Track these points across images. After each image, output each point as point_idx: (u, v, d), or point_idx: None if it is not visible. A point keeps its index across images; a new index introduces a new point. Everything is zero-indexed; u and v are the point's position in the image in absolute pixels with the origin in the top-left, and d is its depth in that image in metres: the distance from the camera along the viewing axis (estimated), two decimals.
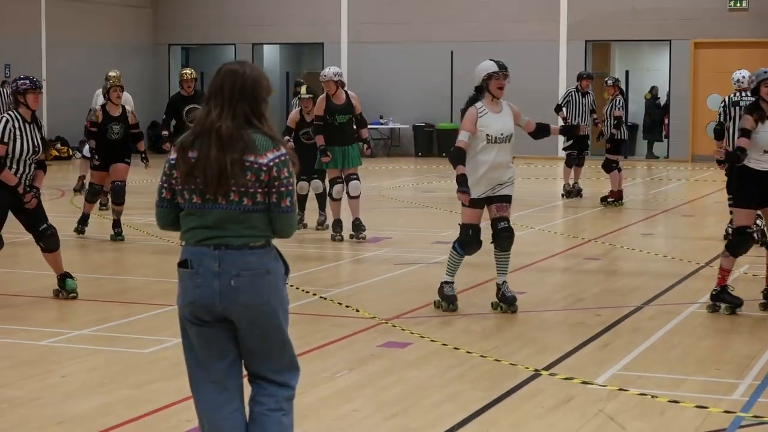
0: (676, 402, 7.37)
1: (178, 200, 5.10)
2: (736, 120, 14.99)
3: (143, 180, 22.80)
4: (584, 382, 7.86)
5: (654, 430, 6.92)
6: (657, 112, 32.91)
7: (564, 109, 20.50)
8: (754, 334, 9.50)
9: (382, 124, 33.29)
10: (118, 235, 14.94)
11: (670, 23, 31.23)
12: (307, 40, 35.04)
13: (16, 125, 10.45)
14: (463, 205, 10.22)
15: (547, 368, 8.28)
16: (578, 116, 20.10)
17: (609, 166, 19.68)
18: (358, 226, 14.80)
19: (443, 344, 9.01)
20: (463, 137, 10.17)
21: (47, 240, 10.79)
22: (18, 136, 10.43)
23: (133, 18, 35.27)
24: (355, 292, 11.54)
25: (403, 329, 9.55)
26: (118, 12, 34.58)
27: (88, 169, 18.01)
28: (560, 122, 19.89)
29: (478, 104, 10.36)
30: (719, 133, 15.14)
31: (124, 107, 14.98)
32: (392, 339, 9.24)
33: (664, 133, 32.73)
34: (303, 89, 15.63)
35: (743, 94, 15.09)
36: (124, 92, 18.64)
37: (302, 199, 15.63)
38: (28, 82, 10.59)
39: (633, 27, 31.66)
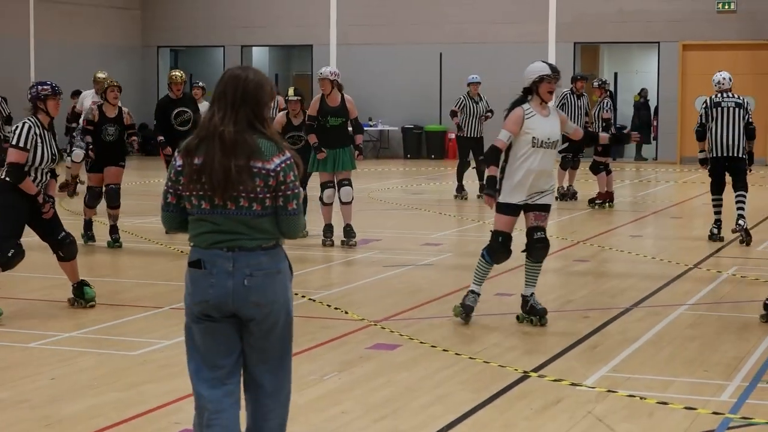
0: (665, 403, 7.37)
1: (183, 205, 5.14)
2: (718, 121, 15.06)
3: (132, 182, 22.76)
4: (573, 384, 7.86)
5: None
6: (646, 114, 32.97)
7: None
8: (742, 336, 9.51)
9: (370, 126, 33.29)
10: (115, 242, 14.57)
11: (659, 25, 31.29)
12: (295, 42, 35.06)
13: (37, 132, 10.08)
14: (497, 211, 9.81)
15: (536, 370, 8.29)
16: (573, 119, 20.03)
17: (596, 168, 19.71)
18: (349, 232, 14.59)
19: (432, 346, 9.01)
20: (502, 137, 9.66)
21: (67, 248, 10.45)
22: (38, 144, 10.06)
23: (122, 20, 35.23)
24: (344, 294, 11.53)
25: (392, 331, 9.55)
26: (107, 14, 34.55)
27: (78, 170, 17.85)
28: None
29: (526, 105, 9.72)
30: (701, 134, 15.22)
31: (121, 108, 14.57)
32: (381, 341, 9.24)
33: (652, 135, 32.79)
34: (291, 91, 15.32)
35: (724, 95, 15.15)
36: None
37: None
38: (49, 87, 10.21)
39: (621, 29, 31.72)
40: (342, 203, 14.56)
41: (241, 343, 5.20)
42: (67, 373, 8.26)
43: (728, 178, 15.19)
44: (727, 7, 30.72)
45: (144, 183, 24.17)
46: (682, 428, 6.92)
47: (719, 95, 15.12)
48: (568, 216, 18.74)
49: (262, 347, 5.17)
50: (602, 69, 34.18)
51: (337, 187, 14.64)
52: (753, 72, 30.27)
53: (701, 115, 15.21)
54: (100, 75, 18.23)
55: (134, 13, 35.75)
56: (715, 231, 15.32)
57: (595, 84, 20.45)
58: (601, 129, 19.62)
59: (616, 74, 34.17)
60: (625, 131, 10.93)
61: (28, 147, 9.99)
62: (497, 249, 9.89)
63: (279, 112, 15.59)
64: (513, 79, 32.13)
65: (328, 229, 14.70)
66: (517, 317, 10.04)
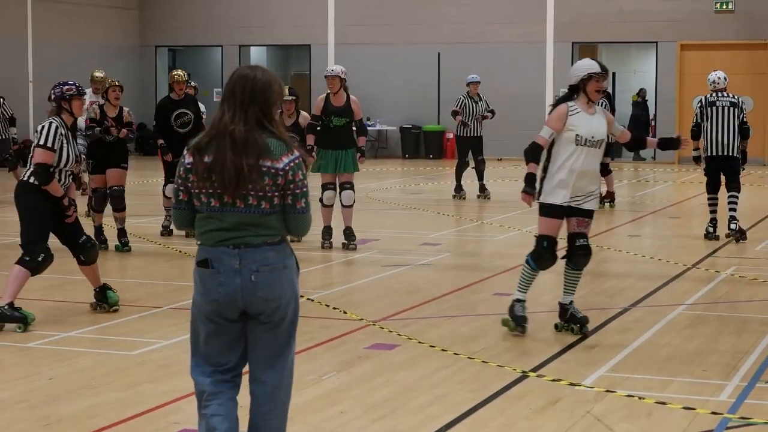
0: (664, 403, 7.38)
1: (194, 202, 5.20)
2: (713, 120, 15.14)
3: (130, 182, 22.74)
4: (572, 384, 7.87)
5: None
6: (644, 114, 32.97)
7: None
8: (740, 336, 9.51)
9: (369, 125, 33.28)
10: (123, 246, 14.16)
11: (657, 25, 31.30)
12: (293, 41, 35.06)
13: (63, 132, 9.79)
14: (540, 215, 9.44)
15: (534, 370, 8.29)
16: None
17: (604, 169, 19.67)
18: (349, 235, 14.38)
19: (431, 346, 9.01)
20: (544, 134, 9.32)
21: (88, 252, 10.19)
22: (64, 144, 9.77)
23: (120, 19, 35.23)
24: (342, 294, 11.53)
25: (390, 331, 9.55)
26: (105, 13, 34.54)
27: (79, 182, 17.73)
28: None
29: (570, 102, 9.45)
30: (695, 133, 15.30)
31: (122, 108, 14.22)
32: (380, 341, 9.24)
33: (650, 135, 32.81)
34: (285, 90, 15.17)
35: (719, 94, 15.25)
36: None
37: None
38: (73, 87, 9.97)
39: (620, 29, 31.73)
40: (343, 206, 14.41)
41: (245, 340, 5.26)
42: (66, 373, 8.26)
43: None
44: (725, 7, 30.73)
45: (142, 183, 24.17)
46: (680, 428, 6.92)
47: (714, 94, 15.24)
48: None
49: (267, 342, 5.23)
50: None
51: (338, 190, 14.48)
52: (751, 72, 30.29)
53: (696, 114, 15.36)
54: (98, 74, 17.93)
55: (132, 13, 35.74)
56: (711, 230, 15.45)
57: None
58: None
59: (614, 74, 34.17)
60: (674, 136, 10.61)
61: (56, 147, 9.71)
62: (543, 254, 9.44)
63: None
64: (511, 80, 32.18)
65: (327, 232, 14.51)
66: (556, 326, 9.65)
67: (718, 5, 30.77)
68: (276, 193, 5.11)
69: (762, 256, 14.31)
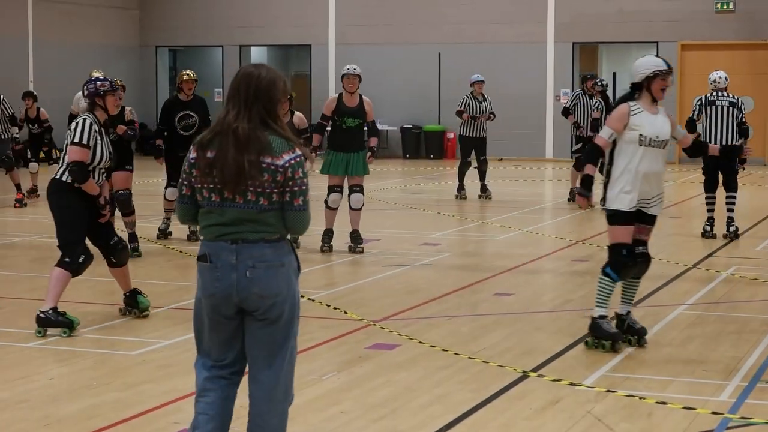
0: (664, 403, 7.37)
1: (197, 197, 5.27)
2: (712, 119, 15.22)
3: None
4: (572, 384, 7.86)
5: None
6: None
7: (572, 112, 20.29)
8: (741, 336, 9.51)
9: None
10: (134, 251, 13.45)
11: (658, 25, 31.30)
12: (294, 41, 35.06)
13: (96, 129, 9.58)
14: (610, 223, 8.97)
15: (535, 370, 8.28)
16: (586, 119, 19.92)
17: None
18: (356, 238, 14.15)
19: (431, 346, 9.01)
20: (604, 134, 8.90)
21: (120, 254, 9.93)
22: (98, 141, 9.55)
23: (120, 20, 35.23)
24: (343, 294, 11.53)
25: (391, 331, 9.55)
26: (105, 14, 34.55)
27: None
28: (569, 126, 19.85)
29: (632, 102, 8.94)
30: (691, 127, 15.40)
31: (123, 107, 13.54)
32: (380, 341, 9.23)
33: None
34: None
35: (719, 94, 15.33)
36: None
37: None
38: (107, 83, 9.74)
39: (620, 29, 31.73)
40: (351, 209, 14.18)
41: (242, 338, 5.30)
42: (66, 373, 8.26)
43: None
44: (725, 7, 30.73)
45: (144, 183, 24.16)
46: (681, 428, 6.92)
47: (714, 94, 15.36)
48: (567, 216, 18.74)
49: (263, 340, 5.25)
50: (601, 69, 34.19)
51: (346, 192, 14.18)
52: (751, 72, 30.29)
53: (694, 111, 15.47)
54: (96, 74, 17.84)
55: (133, 13, 35.75)
56: (708, 228, 15.62)
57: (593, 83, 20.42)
58: (589, 129, 19.63)
59: (614, 74, 34.17)
60: (738, 143, 10.33)
61: (90, 144, 9.49)
62: (624, 263, 8.89)
63: None
64: (511, 80, 32.15)
65: (327, 235, 14.23)
66: (586, 342, 9.07)
67: (718, 5, 30.77)
68: (275, 190, 5.14)
69: (762, 256, 14.31)
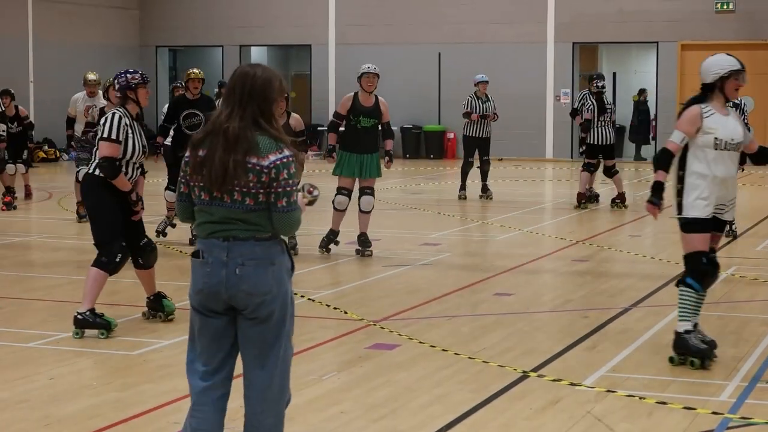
0: (664, 403, 7.37)
1: (192, 195, 5.31)
2: None
3: None
4: (572, 384, 7.86)
5: None
6: (645, 115, 32.96)
7: (581, 113, 20.17)
8: (741, 336, 9.51)
9: None
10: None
11: (658, 25, 31.30)
12: (294, 41, 35.06)
13: (127, 122, 9.40)
14: (685, 231, 8.65)
15: (535, 370, 8.28)
16: (594, 120, 19.79)
17: (609, 171, 19.61)
18: (364, 241, 13.87)
19: (431, 346, 9.01)
20: (675, 138, 8.47)
21: (148, 256, 9.78)
22: (129, 135, 9.37)
23: (120, 19, 35.24)
24: (342, 294, 11.53)
25: (391, 331, 9.55)
26: (105, 13, 34.56)
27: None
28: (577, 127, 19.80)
29: (703, 104, 8.52)
30: None
31: None
32: (380, 341, 9.23)
33: (651, 135, 32.80)
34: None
35: None
36: (100, 91, 17.01)
37: None
38: (138, 76, 9.59)
39: (620, 29, 31.73)
40: (361, 212, 13.88)
41: (235, 338, 5.30)
42: (66, 373, 8.26)
43: None
44: (725, 7, 30.73)
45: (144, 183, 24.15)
46: (681, 428, 6.92)
47: None
48: (567, 216, 18.74)
49: (254, 340, 5.25)
50: (601, 69, 34.17)
51: (358, 194, 13.90)
52: (751, 72, 30.04)
53: None
54: (91, 76, 17.36)
55: (133, 13, 35.75)
56: None
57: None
58: (581, 130, 19.65)
59: (614, 74, 34.17)
60: None
61: (121, 139, 9.32)
62: (706, 272, 8.50)
63: None
64: (511, 80, 32.14)
65: (329, 237, 13.99)
66: (671, 359, 8.56)
67: (718, 5, 30.77)
68: (261, 190, 5.15)
69: (762, 256, 14.31)
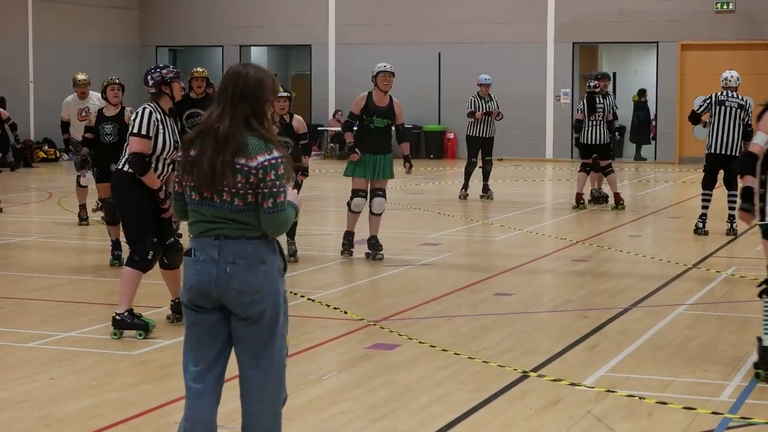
0: (664, 403, 7.37)
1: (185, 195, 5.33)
2: (720, 119, 15.42)
3: None
4: (572, 384, 7.86)
5: None
6: (645, 115, 32.97)
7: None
8: (741, 336, 9.51)
9: None
10: (116, 259, 12.94)
11: (658, 25, 31.30)
12: (294, 41, 35.06)
13: (158, 117, 9.26)
14: (765, 237, 8.06)
15: (535, 370, 8.28)
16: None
17: (604, 170, 19.58)
18: (375, 245, 13.58)
19: (431, 346, 9.01)
20: (759, 140, 8.09)
21: (174, 256, 9.54)
22: (160, 130, 9.22)
23: (120, 19, 35.24)
24: (342, 294, 11.53)
25: (391, 331, 9.55)
26: (105, 13, 34.55)
27: (85, 197, 16.34)
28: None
29: None
30: (695, 119, 15.73)
31: (123, 108, 13.23)
32: (380, 341, 9.23)
33: (651, 135, 32.80)
34: (279, 87, 13.45)
35: (729, 94, 15.54)
36: (91, 92, 16.59)
37: (293, 224, 13.38)
38: (173, 70, 9.46)
39: (620, 29, 31.73)
40: (372, 214, 13.63)
41: (227, 340, 5.31)
42: (65, 373, 8.26)
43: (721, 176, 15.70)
44: (725, 7, 30.73)
45: None
46: (681, 428, 6.92)
47: (724, 94, 15.65)
48: (567, 216, 18.74)
49: (247, 340, 5.26)
50: (601, 69, 34.15)
51: (369, 196, 13.66)
52: (751, 72, 30.26)
53: (701, 106, 15.78)
54: (81, 77, 16.74)
55: (133, 13, 35.75)
56: (700, 225, 16.02)
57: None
58: (574, 130, 19.63)
59: (614, 74, 34.16)
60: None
61: (151, 134, 9.18)
62: None
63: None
64: (511, 80, 32.12)
65: (348, 238, 13.77)
66: (757, 375, 8.02)
67: (718, 5, 30.77)
68: (249, 191, 5.14)
69: (762, 256, 14.26)
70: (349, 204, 13.74)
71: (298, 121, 12.99)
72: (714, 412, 7.17)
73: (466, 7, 32.85)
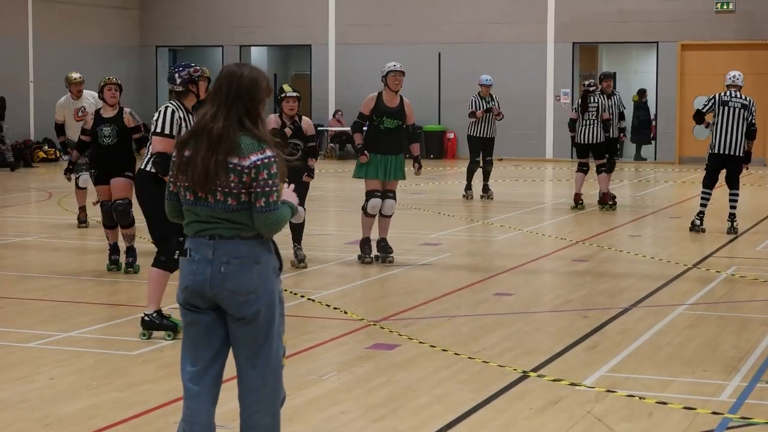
0: (664, 403, 7.37)
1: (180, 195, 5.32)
2: (723, 119, 15.47)
3: None
4: (572, 384, 7.86)
5: None
6: (645, 115, 32.96)
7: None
8: (741, 336, 9.51)
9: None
10: (128, 266, 12.56)
11: (658, 25, 31.29)
12: (294, 41, 35.06)
13: (181, 116, 9.22)
14: None
15: (535, 370, 8.28)
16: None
17: (597, 169, 19.56)
18: (385, 247, 13.35)
19: (431, 346, 9.01)
20: None
21: None
22: (183, 129, 9.13)
23: (120, 19, 35.23)
24: (343, 294, 11.53)
25: (391, 331, 9.55)
26: (105, 13, 34.54)
27: (84, 200, 16.13)
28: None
29: None
30: (699, 117, 15.82)
31: (121, 108, 12.70)
32: (380, 341, 9.23)
33: (651, 135, 32.79)
34: (287, 87, 12.84)
35: (733, 94, 15.60)
36: (85, 90, 16.30)
37: (299, 229, 13.04)
38: (199, 69, 9.47)
39: (620, 29, 31.72)
40: (382, 216, 13.40)
41: (224, 340, 5.31)
42: (65, 373, 8.26)
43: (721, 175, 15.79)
44: (725, 7, 30.72)
45: None
46: (681, 428, 6.92)
47: (728, 94, 15.73)
48: (567, 216, 18.73)
49: (243, 340, 5.26)
50: (601, 69, 34.15)
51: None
52: (751, 72, 30.24)
53: (705, 105, 15.93)
54: (75, 75, 16.39)
55: (133, 13, 35.74)
56: (698, 223, 16.15)
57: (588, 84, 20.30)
58: (569, 129, 19.63)
59: (614, 74, 34.15)
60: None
61: (174, 133, 9.12)
62: None
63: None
64: (512, 80, 32.11)
65: (367, 245, 13.42)
66: None
67: (718, 5, 30.76)
68: (243, 191, 5.15)
69: (762, 256, 14.31)
70: (364, 207, 13.37)
71: (307, 123, 12.81)
72: (714, 412, 7.17)
73: (466, 7, 32.84)
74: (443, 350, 8.87)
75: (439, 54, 33.03)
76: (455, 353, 8.77)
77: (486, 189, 21.02)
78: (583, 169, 19.40)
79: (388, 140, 13.26)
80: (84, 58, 31.84)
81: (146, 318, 9.24)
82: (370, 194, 13.29)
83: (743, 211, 17.24)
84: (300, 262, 12.90)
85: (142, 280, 12.27)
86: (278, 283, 5.30)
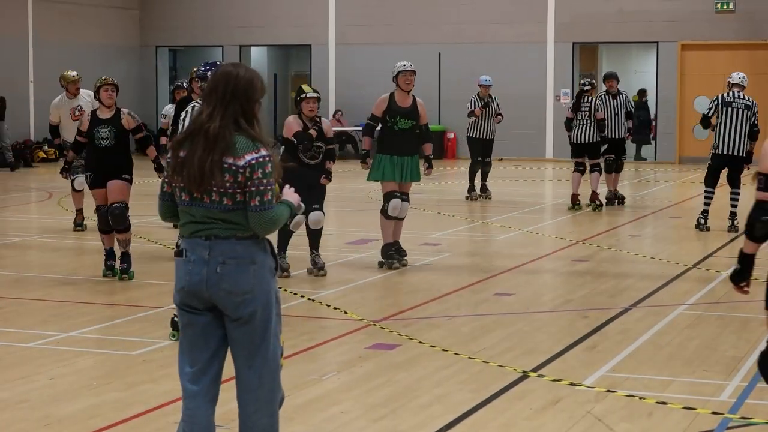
0: (664, 403, 7.37)
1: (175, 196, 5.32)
2: (727, 120, 15.59)
3: None
4: (572, 384, 7.86)
5: None
6: (645, 115, 32.96)
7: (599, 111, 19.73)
8: (741, 336, 9.51)
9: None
10: (123, 272, 12.15)
11: (658, 25, 31.29)
12: (294, 41, 35.05)
13: None
14: None
15: (535, 370, 8.28)
16: (611, 120, 19.46)
17: (591, 168, 19.52)
18: (398, 250, 13.11)
19: (431, 346, 9.00)
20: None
21: None
22: None
23: (120, 19, 35.23)
24: (343, 294, 11.52)
25: (391, 331, 9.54)
26: (105, 13, 34.54)
27: (81, 202, 15.90)
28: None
29: None
30: (706, 122, 15.96)
31: (119, 110, 12.20)
32: (380, 341, 9.23)
33: (651, 135, 32.80)
34: (307, 87, 12.34)
35: (736, 94, 15.70)
36: (81, 89, 16.23)
37: (286, 237, 12.27)
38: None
39: (620, 29, 31.72)
40: (396, 219, 13.13)
41: (221, 340, 5.31)
42: (66, 373, 8.26)
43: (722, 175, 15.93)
44: (725, 7, 30.72)
45: (143, 183, 24.16)
46: (681, 428, 6.92)
47: (731, 95, 15.84)
48: (567, 216, 18.73)
49: (240, 340, 5.26)
50: (601, 69, 34.17)
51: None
52: (751, 72, 30.09)
53: (709, 108, 16.12)
54: (71, 73, 16.23)
55: (133, 13, 35.74)
56: (702, 221, 16.26)
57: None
58: (565, 128, 19.60)
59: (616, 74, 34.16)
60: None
61: None
62: None
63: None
64: (512, 80, 32.11)
65: (391, 249, 13.04)
66: None
67: (718, 5, 30.76)
68: (238, 191, 5.15)
69: (762, 256, 14.24)
70: (384, 210, 13.02)
71: (326, 125, 12.49)
72: (714, 412, 7.17)
73: (466, 7, 32.84)
74: (443, 350, 8.87)
75: (439, 54, 33.03)
76: (455, 353, 8.77)
77: (484, 189, 21.02)
78: (579, 169, 19.36)
79: (402, 141, 13.09)
80: (84, 58, 31.82)
81: (176, 319, 9.16)
82: (389, 196, 12.99)
83: (744, 211, 17.22)
84: (319, 270, 12.48)
85: (142, 281, 12.27)
86: (275, 283, 5.30)
